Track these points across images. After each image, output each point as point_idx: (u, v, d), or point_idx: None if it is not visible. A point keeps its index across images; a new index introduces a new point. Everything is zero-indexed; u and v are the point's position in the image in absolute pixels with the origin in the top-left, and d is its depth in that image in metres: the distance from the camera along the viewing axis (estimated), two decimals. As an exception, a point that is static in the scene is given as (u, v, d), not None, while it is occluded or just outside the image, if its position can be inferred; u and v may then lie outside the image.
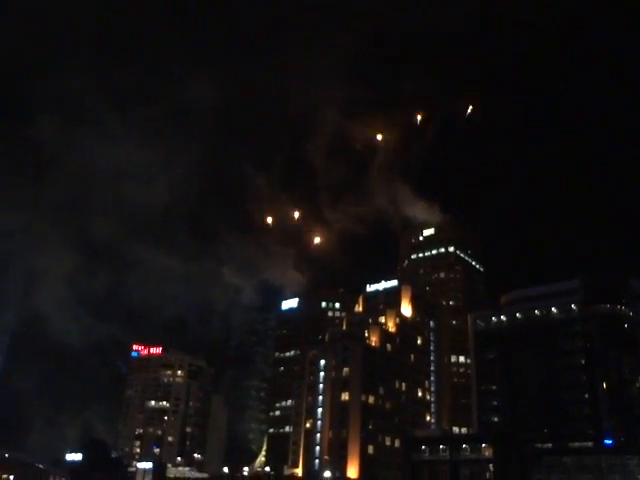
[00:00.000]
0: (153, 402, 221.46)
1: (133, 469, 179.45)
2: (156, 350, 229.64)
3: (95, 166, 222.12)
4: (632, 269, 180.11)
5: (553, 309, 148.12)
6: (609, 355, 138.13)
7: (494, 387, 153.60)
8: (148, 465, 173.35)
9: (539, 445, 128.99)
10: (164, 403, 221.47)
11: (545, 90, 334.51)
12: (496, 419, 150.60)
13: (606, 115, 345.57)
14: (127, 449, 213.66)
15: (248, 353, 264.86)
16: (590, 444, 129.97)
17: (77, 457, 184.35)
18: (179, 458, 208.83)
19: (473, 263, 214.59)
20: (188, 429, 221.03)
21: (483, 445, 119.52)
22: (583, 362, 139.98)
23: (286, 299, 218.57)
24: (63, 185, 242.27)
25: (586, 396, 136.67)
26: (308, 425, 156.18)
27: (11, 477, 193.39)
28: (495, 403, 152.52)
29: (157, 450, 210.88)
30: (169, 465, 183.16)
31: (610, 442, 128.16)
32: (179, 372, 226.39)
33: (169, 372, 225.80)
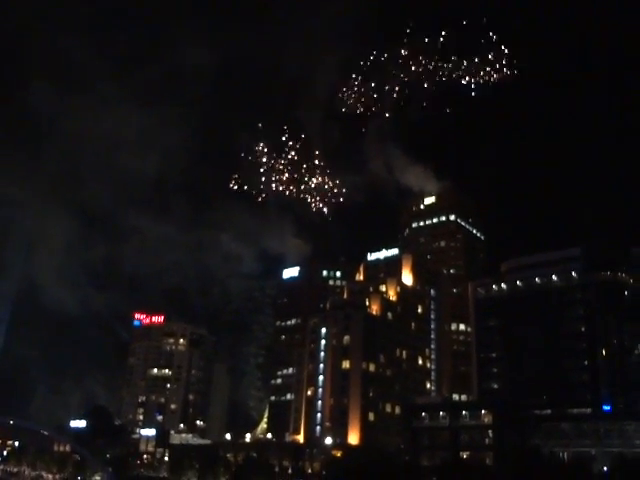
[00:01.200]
0: (155, 370, 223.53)
1: (136, 436, 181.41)
2: (158, 319, 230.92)
3: (92, 133, 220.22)
4: (633, 237, 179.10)
5: (553, 277, 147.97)
6: (609, 322, 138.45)
7: (494, 355, 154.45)
8: (151, 432, 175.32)
9: (538, 411, 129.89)
10: (166, 371, 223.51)
11: (552, 48, 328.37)
12: (496, 386, 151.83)
13: (609, 82, 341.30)
14: (130, 416, 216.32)
15: (246, 320, 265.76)
16: (589, 410, 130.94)
17: (80, 424, 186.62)
18: (182, 425, 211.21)
19: (474, 231, 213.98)
20: (190, 396, 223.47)
21: (483, 412, 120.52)
22: (583, 329, 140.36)
23: (287, 267, 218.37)
24: (60, 153, 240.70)
25: (585, 363, 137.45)
26: (309, 393, 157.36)
27: (16, 443, 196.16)
28: (495, 370, 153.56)
29: (160, 417, 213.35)
30: (172, 432, 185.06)
31: (608, 408, 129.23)
32: (181, 340, 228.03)
33: (171, 340, 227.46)
